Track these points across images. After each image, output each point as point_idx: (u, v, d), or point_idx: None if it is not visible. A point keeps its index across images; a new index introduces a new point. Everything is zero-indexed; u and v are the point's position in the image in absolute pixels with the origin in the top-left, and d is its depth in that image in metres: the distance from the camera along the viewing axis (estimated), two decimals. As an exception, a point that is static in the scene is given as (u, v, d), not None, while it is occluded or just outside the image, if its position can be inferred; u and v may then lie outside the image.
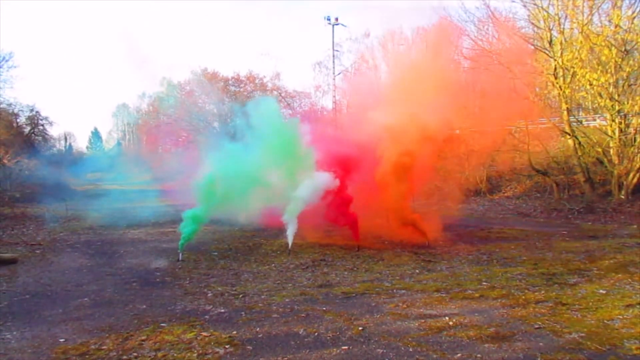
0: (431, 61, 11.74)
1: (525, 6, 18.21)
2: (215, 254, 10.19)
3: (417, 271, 8.43)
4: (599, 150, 16.71)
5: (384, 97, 12.38)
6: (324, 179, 10.13)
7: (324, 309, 6.28)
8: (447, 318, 5.77)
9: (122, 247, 11.17)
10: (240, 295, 7.01)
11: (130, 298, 6.95)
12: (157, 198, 19.05)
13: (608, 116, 16.45)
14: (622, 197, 16.01)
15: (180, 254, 9.57)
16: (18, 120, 36.21)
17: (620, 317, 5.66)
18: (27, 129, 37.68)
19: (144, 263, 9.39)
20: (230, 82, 44.74)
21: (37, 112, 37.74)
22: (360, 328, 5.50)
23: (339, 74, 34.83)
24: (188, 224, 9.89)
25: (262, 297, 6.93)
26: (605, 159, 16.61)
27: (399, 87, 12.06)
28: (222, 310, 6.28)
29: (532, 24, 18.54)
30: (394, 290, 7.16)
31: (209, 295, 7.08)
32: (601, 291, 6.82)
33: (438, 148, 12.13)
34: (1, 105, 31.21)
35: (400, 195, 10.75)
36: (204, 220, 10.27)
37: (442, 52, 11.91)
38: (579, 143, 16.99)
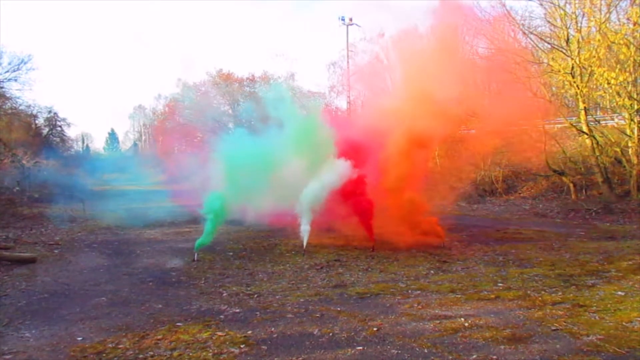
0: (436, 40, 11.63)
1: (541, 4, 18.04)
2: (230, 254, 10.24)
3: (432, 272, 8.39)
4: (617, 149, 16.47)
5: (394, 85, 12.29)
6: (344, 168, 10.04)
7: (339, 309, 6.28)
8: (462, 319, 5.74)
9: (138, 246, 11.28)
10: (255, 295, 7.04)
11: (147, 297, 7.02)
12: (172, 198, 19.16)
13: (626, 115, 16.21)
14: (641, 197, 15.77)
15: (196, 254, 9.62)
16: (37, 121, 36.86)
17: (639, 319, 5.58)
18: (45, 130, 38.30)
19: (160, 263, 9.47)
20: (245, 82, 45.00)
21: (55, 113, 38.44)
22: (375, 329, 5.49)
23: (353, 74, 34.76)
24: (213, 206, 9.80)
25: (277, 297, 6.95)
26: (623, 159, 16.38)
27: (407, 71, 11.91)
28: (237, 310, 6.31)
29: (549, 22, 18.36)
30: (409, 291, 7.13)
31: (224, 295, 7.11)
32: (620, 293, 6.73)
33: (452, 125, 11.72)
34: (20, 107, 31.77)
35: (409, 179, 10.49)
36: (228, 203, 10.03)
37: (446, 31, 11.70)
38: (597, 142, 16.77)
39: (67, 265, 9.33)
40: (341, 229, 11.92)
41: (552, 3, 17.40)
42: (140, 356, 4.85)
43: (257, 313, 6.17)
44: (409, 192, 10.61)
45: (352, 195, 10.34)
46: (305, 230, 10.03)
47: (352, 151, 10.49)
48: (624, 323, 5.47)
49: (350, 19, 35.61)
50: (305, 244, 10.08)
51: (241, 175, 10.01)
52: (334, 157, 10.28)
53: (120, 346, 5.12)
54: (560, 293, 6.81)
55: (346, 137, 10.82)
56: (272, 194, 10.55)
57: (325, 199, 9.95)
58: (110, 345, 5.15)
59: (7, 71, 29.63)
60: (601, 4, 16.38)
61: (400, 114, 10.95)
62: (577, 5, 16.77)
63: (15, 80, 30.15)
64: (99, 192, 24.49)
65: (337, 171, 10.00)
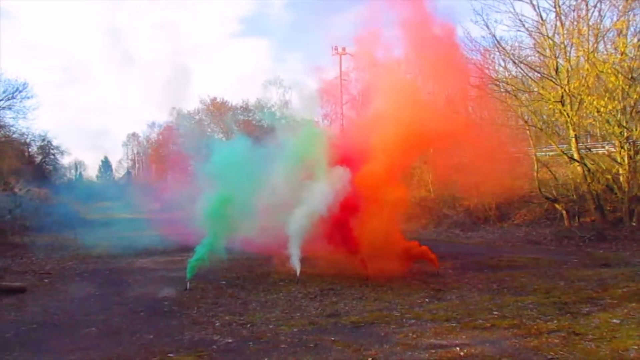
0: None
1: (530, 35, 18.40)
2: (223, 282, 10.14)
3: (426, 300, 8.33)
4: (609, 177, 16.60)
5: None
6: (342, 177, 9.66)
7: (333, 339, 6.21)
8: (457, 348, 5.68)
9: (130, 276, 11.16)
10: (248, 325, 6.95)
11: (138, 328, 6.91)
12: (162, 228, 19.03)
13: (617, 143, 16.39)
14: (634, 224, 15.83)
15: (188, 283, 9.51)
16: (30, 149, 36.77)
17: (636, 347, 5.54)
18: (38, 158, 38.20)
19: (152, 292, 9.36)
20: (238, 110, 45.33)
21: (48, 141, 38.44)
22: (369, 358, 5.42)
23: (346, 102, 35.09)
24: (214, 209, 9.60)
25: (270, 326, 6.86)
26: (615, 186, 16.49)
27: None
28: (230, 340, 6.23)
29: (538, 52, 18.69)
30: (404, 320, 7.07)
31: (217, 324, 7.02)
32: (615, 320, 6.69)
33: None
34: (14, 135, 31.71)
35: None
36: (231, 204, 9.66)
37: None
38: (588, 170, 16.91)
39: (57, 295, 9.21)
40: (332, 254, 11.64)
41: (541, 33, 17.76)
42: (131, 388, 4.75)
43: (250, 343, 6.09)
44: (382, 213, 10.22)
45: (348, 215, 10.08)
46: (296, 257, 9.87)
47: (349, 160, 10.23)
48: (620, 351, 5.43)
49: (344, 49, 36.06)
50: (298, 272, 9.96)
51: (232, 191, 9.80)
52: (331, 166, 9.98)
53: (110, 378, 5.02)
54: (555, 321, 6.76)
55: (342, 145, 10.65)
56: (263, 215, 10.36)
57: (320, 219, 9.65)
58: (99, 377, 5.05)
59: (2, 99, 29.66)
60: (589, 35, 16.71)
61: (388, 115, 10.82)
62: (565, 36, 17.11)
63: (10, 108, 30.17)
64: (91, 221, 24.31)
65: (335, 181, 9.70)
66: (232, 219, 9.80)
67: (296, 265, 9.89)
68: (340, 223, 10.20)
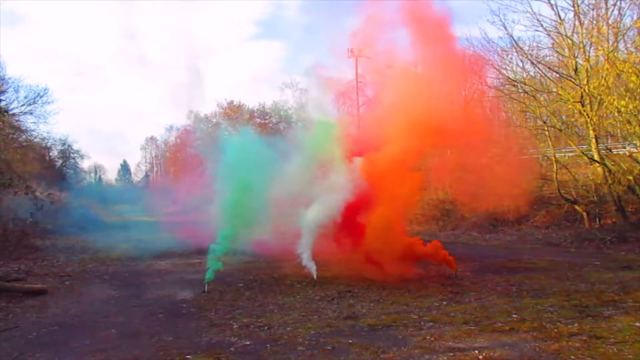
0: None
1: (549, 35, 18.22)
2: (241, 285, 10.18)
3: (444, 303, 8.26)
4: (630, 178, 16.32)
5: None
6: (356, 171, 9.59)
7: (350, 341, 6.19)
8: (476, 352, 5.63)
9: (149, 278, 11.26)
10: (266, 327, 6.96)
11: (157, 329, 6.97)
12: (182, 229, 19.18)
13: (638, 143, 16.13)
14: (656, 226, 15.55)
15: (206, 285, 9.56)
16: (50, 153, 37.36)
17: (659, 351, 5.44)
18: (59, 162, 38.81)
19: (170, 294, 9.43)
20: (255, 114, 45.60)
21: (68, 145, 39.04)
22: (387, 361, 5.39)
23: (362, 105, 35.01)
24: (236, 192, 9.54)
25: (288, 329, 6.87)
26: (636, 187, 16.21)
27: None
28: (248, 343, 6.24)
29: (557, 52, 18.50)
30: (421, 323, 7.02)
31: (235, 327, 7.05)
32: (637, 324, 6.57)
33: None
34: (35, 140, 32.16)
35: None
36: (252, 191, 9.70)
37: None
38: (609, 171, 16.65)
39: (77, 297, 9.33)
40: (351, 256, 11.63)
41: (559, 33, 17.58)
42: (150, 390, 4.79)
43: (268, 345, 6.10)
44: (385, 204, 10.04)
45: (358, 205, 9.95)
46: (309, 258, 9.85)
47: (362, 152, 10.18)
48: (643, 355, 5.34)
49: (360, 50, 35.98)
50: (315, 274, 9.97)
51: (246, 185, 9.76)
52: (348, 158, 9.90)
53: (130, 379, 5.06)
54: (576, 324, 6.66)
55: (356, 136, 10.60)
56: (277, 211, 10.34)
57: (336, 214, 9.58)
58: (119, 378, 5.10)
59: (23, 105, 30.03)
60: (609, 33, 16.50)
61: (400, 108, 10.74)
62: (584, 35, 16.91)
63: (31, 113, 30.55)
64: (110, 224, 24.61)
65: (351, 175, 9.62)
66: (250, 209, 9.81)
67: (308, 260, 9.83)
68: (349, 214, 10.14)
